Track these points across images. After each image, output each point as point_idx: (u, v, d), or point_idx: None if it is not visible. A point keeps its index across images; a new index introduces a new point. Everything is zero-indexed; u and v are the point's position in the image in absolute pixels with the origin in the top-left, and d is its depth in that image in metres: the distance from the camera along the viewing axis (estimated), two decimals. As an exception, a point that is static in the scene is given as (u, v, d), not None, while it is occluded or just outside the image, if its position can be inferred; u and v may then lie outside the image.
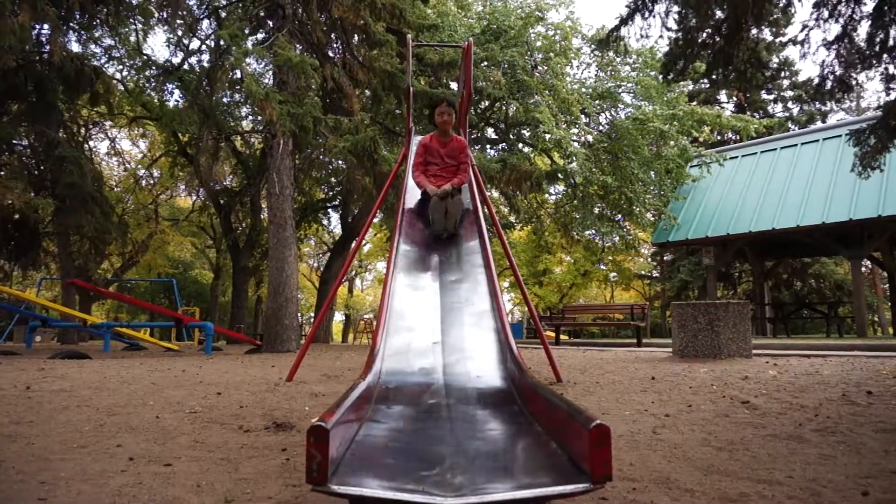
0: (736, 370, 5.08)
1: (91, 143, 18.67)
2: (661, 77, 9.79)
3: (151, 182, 24.12)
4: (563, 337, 15.19)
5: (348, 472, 1.41)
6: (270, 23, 11.72)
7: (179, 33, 14.63)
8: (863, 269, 15.72)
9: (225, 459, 2.22)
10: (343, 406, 1.57)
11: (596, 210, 15.34)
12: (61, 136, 12.58)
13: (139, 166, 24.00)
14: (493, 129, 16.40)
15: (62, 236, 13.99)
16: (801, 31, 5.40)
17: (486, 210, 4.79)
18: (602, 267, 28.48)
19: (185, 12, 12.59)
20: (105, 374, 5.24)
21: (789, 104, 24.91)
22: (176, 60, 14.35)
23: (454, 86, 13.09)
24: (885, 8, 4.84)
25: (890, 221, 11.73)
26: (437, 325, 3.19)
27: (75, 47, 13.77)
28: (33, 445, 2.41)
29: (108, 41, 14.97)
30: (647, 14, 5.50)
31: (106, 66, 15.08)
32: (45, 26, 11.02)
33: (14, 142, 12.54)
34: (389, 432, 1.95)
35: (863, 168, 6.11)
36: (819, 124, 21.27)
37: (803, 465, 2.07)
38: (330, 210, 23.58)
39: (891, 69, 5.50)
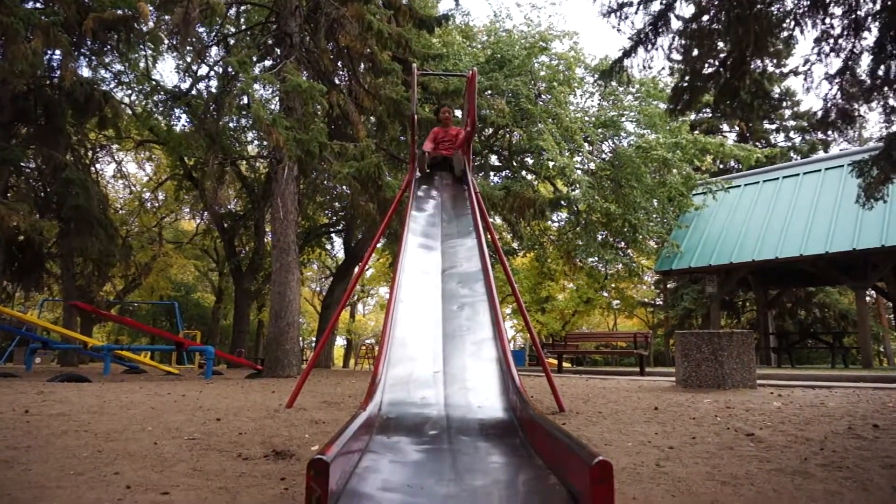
0: (740, 401, 5.03)
1: (98, 166, 18.82)
2: (667, 109, 9.84)
3: (156, 205, 24.27)
4: (565, 364, 15.09)
5: (348, 505, 1.39)
6: (278, 51, 11.91)
7: (188, 60, 14.90)
8: (867, 298, 15.62)
9: (223, 488, 2.19)
10: (343, 437, 1.56)
11: (599, 237, 15.34)
12: (68, 159, 12.70)
13: (145, 189, 24.18)
14: (496, 157, 16.50)
15: (66, 258, 14.04)
16: (804, 64, 5.45)
17: (488, 237, 4.81)
18: (605, 294, 28.36)
19: (194, 40, 12.80)
20: (104, 398, 5.21)
21: (791, 133, 25.04)
22: (184, 86, 14.56)
23: (459, 113, 13.21)
24: (886, 43, 4.90)
25: (894, 252, 11.69)
26: (440, 354, 3.17)
27: (85, 72, 14.01)
28: (30, 472, 2.39)
29: (118, 66, 15.25)
30: (650, 47, 5.57)
31: (115, 90, 15.32)
32: (57, 52, 11.21)
33: (22, 164, 12.66)
34: (390, 464, 1.93)
35: (866, 199, 6.11)
36: (821, 154, 21.35)
37: (809, 502, 2.04)
38: (333, 235, 23.68)
39: (892, 101, 5.55)
